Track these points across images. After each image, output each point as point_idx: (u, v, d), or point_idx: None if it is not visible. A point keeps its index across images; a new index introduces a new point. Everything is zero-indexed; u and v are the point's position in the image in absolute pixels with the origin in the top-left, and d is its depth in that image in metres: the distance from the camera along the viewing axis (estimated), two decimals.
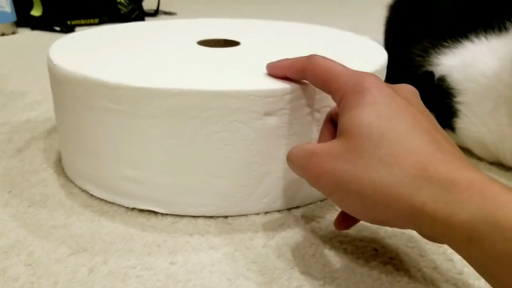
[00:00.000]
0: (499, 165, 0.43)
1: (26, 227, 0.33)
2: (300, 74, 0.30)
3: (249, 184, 0.34)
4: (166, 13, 1.27)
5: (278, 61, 0.32)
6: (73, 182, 0.38)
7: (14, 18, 1.03)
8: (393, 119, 0.24)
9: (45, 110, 0.56)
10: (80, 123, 0.35)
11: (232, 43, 0.44)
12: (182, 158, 0.32)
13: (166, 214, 0.34)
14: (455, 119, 0.43)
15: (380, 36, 0.63)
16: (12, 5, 1.02)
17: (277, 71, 0.32)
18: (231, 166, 0.33)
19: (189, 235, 0.32)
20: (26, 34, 1.02)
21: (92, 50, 0.39)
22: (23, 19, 1.07)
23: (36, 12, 1.08)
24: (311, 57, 0.29)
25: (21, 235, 0.32)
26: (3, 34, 1.01)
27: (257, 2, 1.53)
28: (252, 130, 0.32)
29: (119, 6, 1.12)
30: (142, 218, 0.34)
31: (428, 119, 0.26)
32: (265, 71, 0.34)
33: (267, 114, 0.32)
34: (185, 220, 0.34)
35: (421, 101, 0.28)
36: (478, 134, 0.42)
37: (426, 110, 0.28)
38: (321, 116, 0.33)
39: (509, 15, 0.41)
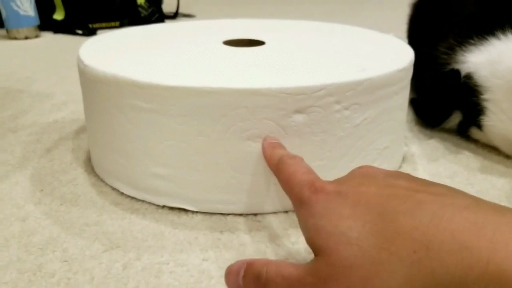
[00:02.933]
0: None
1: (59, 224, 0.33)
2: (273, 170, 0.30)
3: (277, 182, 0.34)
4: (185, 15, 1.28)
5: (264, 141, 0.32)
6: (103, 181, 0.39)
7: (37, 22, 1.04)
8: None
9: (71, 111, 0.56)
10: (110, 122, 0.35)
11: (257, 43, 0.44)
12: (212, 156, 0.33)
13: (196, 212, 0.35)
14: (482, 117, 0.43)
15: (403, 35, 0.63)
16: (36, 9, 1.04)
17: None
18: (260, 164, 0.33)
19: (220, 232, 0.32)
20: (49, 38, 1.04)
21: (120, 51, 0.40)
22: (46, 23, 1.09)
23: (59, 15, 1.10)
24: (280, 161, 0.29)
25: (54, 233, 0.32)
26: (26, 38, 1.03)
27: (275, 3, 1.53)
28: (281, 127, 0.32)
29: (139, 9, 1.13)
30: (173, 216, 0.34)
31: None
32: (295, 69, 0.34)
33: (297, 111, 0.32)
34: (215, 217, 0.34)
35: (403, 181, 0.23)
36: (505, 132, 0.42)
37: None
38: (350, 114, 0.33)
39: None
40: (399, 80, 0.36)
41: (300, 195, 0.24)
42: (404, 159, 0.43)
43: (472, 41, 0.44)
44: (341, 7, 1.44)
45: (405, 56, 0.39)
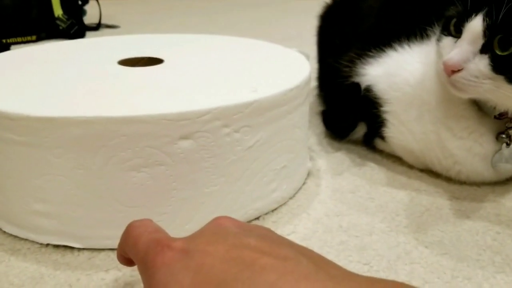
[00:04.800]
0: (430, 171, 0.43)
1: None
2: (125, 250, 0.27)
3: (168, 211, 0.32)
4: (108, 26, 1.23)
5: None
6: None
7: None
8: None
9: None
10: None
11: (156, 61, 0.43)
12: (94, 189, 0.31)
13: (83, 249, 0.32)
14: (383, 129, 0.43)
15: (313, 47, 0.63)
16: None
17: (120, 260, 0.28)
18: (147, 194, 0.31)
19: (105, 271, 0.30)
20: None
21: (0, 77, 0.37)
22: None
23: None
24: (127, 227, 0.26)
25: None
26: None
27: (202, 14, 1.52)
28: (167, 155, 0.31)
29: (58, 22, 1.08)
30: (56, 255, 0.32)
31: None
32: (185, 90, 0.33)
33: (182, 137, 0.30)
34: (103, 254, 0.32)
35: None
36: (405, 143, 0.42)
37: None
38: (241, 137, 0.32)
39: (429, 22, 0.41)
40: (291, 99, 0.35)
41: (144, 259, 0.23)
42: (309, 174, 0.42)
43: (370, 54, 0.45)
44: (256, 15, 1.45)
45: (300, 73, 0.38)
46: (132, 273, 0.30)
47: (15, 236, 0.34)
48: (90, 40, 0.51)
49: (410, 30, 0.43)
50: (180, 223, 0.33)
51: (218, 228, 0.24)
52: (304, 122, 0.39)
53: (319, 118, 0.54)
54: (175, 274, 0.21)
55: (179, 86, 0.34)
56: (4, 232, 0.34)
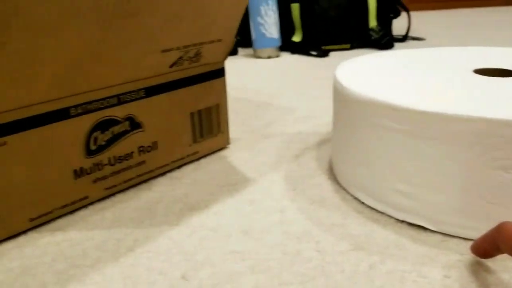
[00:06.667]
0: None
1: (311, 220, 0.39)
2: (493, 246, 0.29)
3: None
4: (414, 38, 1.28)
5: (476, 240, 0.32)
6: (345, 189, 0.44)
7: (279, 43, 1.19)
8: None
9: (312, 125, 0.64)
10: (360, 138, 0.40)
11: (510, 73, 0.44)
12: (458, 180, 0.34)
13: (435, 232, 0.36)
14: None
15: None
16: (279, 32, 1.18)
17: (475, 251, 0.31)
18: (509, 195, 0.33)
19: (460, 254, 0.33)
20: (287, 57, 1.17)
21: (373, 74, 0.44)
22: (285, 44, 1.23)
23: (297, 38, 1.22)
24: (499, 226, 0.28)
25: (307, 226, 0.38)
26: (269, 57, 1.18)
27: (508, 27, 1.41)
28: None
29: (371, 32, 1.18)
30: (412, 231, 0.37)
31: None
32: None
33: None
34: (455, 240, 0.35)
35: None
36: None
37: None
38: None
39: None
40: None
41: None
42: None
43: None
44: None
45: None
46: (487, 263, 0.32)
47: (372, 208, 0.40)
48: (433, 50, 0.55)
49: None
50: None
51: None
52: None
53: None
54: None
55: None
56: (363, 203, 0.41)
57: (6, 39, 0.32)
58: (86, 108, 0.42)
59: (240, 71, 1.04)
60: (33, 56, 0.35)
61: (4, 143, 0.37)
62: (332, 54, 1.17)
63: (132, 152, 0.47)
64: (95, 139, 0.43)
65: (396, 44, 1.22)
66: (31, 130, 0.38)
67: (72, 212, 0.43)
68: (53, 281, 0.33)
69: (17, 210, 0.39)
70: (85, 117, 0.42)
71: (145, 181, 0.48)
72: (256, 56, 1.19)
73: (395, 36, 1.25)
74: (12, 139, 0.37)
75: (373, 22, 1.18)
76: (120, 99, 0.44)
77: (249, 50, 1.30)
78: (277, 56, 1.19)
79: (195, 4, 0.44)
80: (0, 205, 0.38)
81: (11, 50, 0.33)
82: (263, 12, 1.14)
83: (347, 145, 0.42)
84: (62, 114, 0.40)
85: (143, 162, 0.48)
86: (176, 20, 0.43)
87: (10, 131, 0.37)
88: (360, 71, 0.46)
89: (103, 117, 0.43)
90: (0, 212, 0.38)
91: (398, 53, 0.54)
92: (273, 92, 0.83)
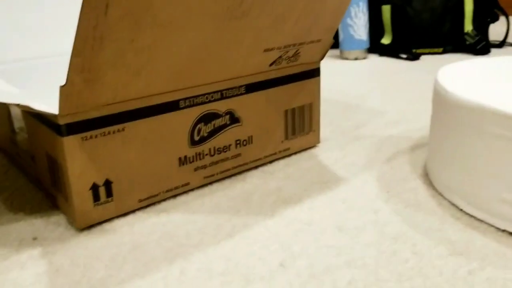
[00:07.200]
0: None
1: (406, 223, 0.39)
2: None
3: None
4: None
5: None
6: (442, 195, 0.43)
7: (367, 45, 1.17)
8: None
9: (404, 129, 0.63)
10: (464, 144, 0.39)
11: None
12: None
13: None
14: None
15: None
16: (368, 34, 1.17)
17: None
18: None
19: None
20: (375, 60, 1.16)
21: (477, 80, 0.43)
22: (374, 46, 1.22)
23: (386, 40, 1.20)
24: None
25: (403, 228, 0.38)
26: (356, 59, 1.17)
27: None
28: None
29: (466, 37, 1.13)
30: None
31: None
32: None
33: None
34: None
35: None
36: None
37: None
38: None
39: None
40: None
41: None
42: None
43: None
44: None
45: None
46: None
47: (471, 216, 0.39)
48: None
49: None
50: None
51: None
52: None
53: None
54: None
55: None
56: (460, 210, 0.41)
57: (134, 36, 0.36)
58: (193, 102, 0.45)
59: (326, 72, 1.04)
60: (156, 51, 0.38)
61: (123, 129, 0.41)
62: (422, 57, 1.14)
63: (230, 145, 0.49)
64: (199, 130, 0.46)
65: (493, 50, 1.17)
66: (146, 119, 0.42)
67: (174, 196, 0.46)
68: (162, 257, 0.36)
69: (130, 191, 0.42)
70: (192, 109, 0.45)
71: (239, 173, 0.51)
72: (343, 57, 1.19)
73: (491, 42, 1.19)
74: (129, 126, 0.41)
75: (468, 26, 1.13)
76: (223, 94, 0.47)
77: (335, 51, 1.30)
78: (364, 58, 1.18)
79: (300, 5, 0.45)
80: (117, 185, 0.41)
81: (138, 46, 0.36)
82: (353, 13, 1.13)
83: (448, 151, 0.42)
84: (173, 106, 0.43)
85: (239, 155, 0.50)
86: (281, 21, 0.45)
87: (128, 119, 0.41)
88: (462, 76, 0.45)
89: (207, 110, 0.46)
90: (116, 192, 0.42)
91: (498, 59, 0.52)
92: (362, 94, 0.83)
